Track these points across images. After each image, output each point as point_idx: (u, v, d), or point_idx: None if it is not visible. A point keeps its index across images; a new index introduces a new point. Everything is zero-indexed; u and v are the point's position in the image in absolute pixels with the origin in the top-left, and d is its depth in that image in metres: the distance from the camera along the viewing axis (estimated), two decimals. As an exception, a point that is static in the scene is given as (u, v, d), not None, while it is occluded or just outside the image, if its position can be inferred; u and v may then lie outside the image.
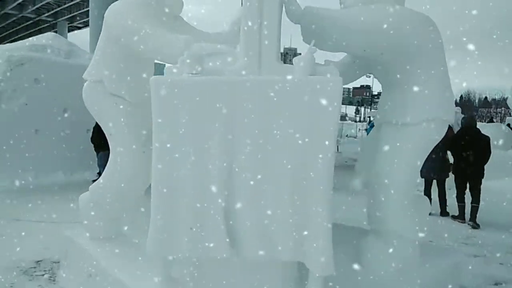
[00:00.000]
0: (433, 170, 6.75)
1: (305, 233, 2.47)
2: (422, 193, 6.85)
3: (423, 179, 7.00)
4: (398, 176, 3.14)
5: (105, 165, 3.55)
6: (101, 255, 3.33)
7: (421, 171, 7.01)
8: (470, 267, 4.28)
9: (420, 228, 3.22)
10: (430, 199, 7.00)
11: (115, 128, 3.38)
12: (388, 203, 3.16)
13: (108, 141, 3.51)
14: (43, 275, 3.97)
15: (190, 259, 2.68)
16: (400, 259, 3.11)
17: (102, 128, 3.54)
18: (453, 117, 3.35)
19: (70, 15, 36.80)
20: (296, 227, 2.48)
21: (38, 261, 4.29)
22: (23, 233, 4.97)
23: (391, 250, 3.12)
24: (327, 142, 2.39)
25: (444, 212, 7.04)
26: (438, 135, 3.29)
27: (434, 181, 7.14)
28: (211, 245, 2.53)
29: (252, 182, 2.47)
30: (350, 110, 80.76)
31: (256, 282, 2.64)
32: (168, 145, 2.49)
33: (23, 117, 8.58)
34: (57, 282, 3.80)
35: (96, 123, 6.92)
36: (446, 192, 7.07)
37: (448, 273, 3.36)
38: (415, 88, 3.15)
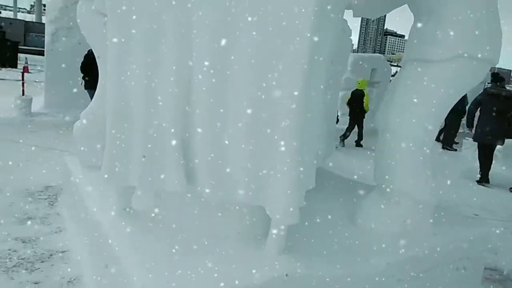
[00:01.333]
0: (492, 133, 5.95)
1: (267, 175, 2.09)
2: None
3: (477, 143, 6.22)
4: (412, 126, 2.58)
5: None
6: (85, 182, 3.22)
7: (479, 133, 6.15)
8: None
9: (432, 192, 2.67)
10: (488, 167, 6.18)
11: (103, 49, 3.15)
12: (397, 158, 2.64)
13: (98, 65, 3.31)
14: (45, 199, 4.02)
15: (147, 190, 2.43)
16: (402, 221, 2.62)
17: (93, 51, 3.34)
18: (497, 57, 2.64)
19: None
20: (256, 167, 2.10)
21: (47, 186, 4.37)
22: (52, 162, 5.08)
23: (393, 210, 2.64)
24: (297, 65, 1.93)
25: (484, 179, 6.26)
26: (472, 79, 2.65)
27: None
28: (163, 176, 2.25)
29: (208, 106, 2.10)
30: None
31: (221, 220, 2.35)
32: (120, 57, 2.19)
33: (76, 55, 8.79)
34: (54, 206, 3.82)
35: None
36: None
37: (463, 249, 2.80)
38: (450, 16, 2.51)
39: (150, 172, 2.26)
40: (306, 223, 2.57)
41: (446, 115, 2.77)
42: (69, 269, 2.69)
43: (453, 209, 4.46)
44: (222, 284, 1.86)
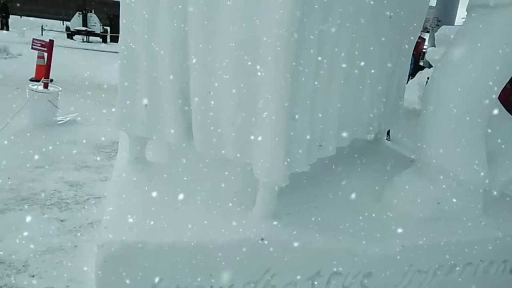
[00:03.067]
0: None
1: (253, 132, 1.90)
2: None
3: None
4: (467, 89, 2.11)
5: None
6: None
7: None
8: None
9: (482, 173, 2.18)
10: None
11: None
12: (441, 128, 2.19)
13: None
14: (108, 152, 4.34)
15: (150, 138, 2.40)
16: (436, 203, 2.19)
17: None
18: None
19: None
20: (243, 123, 1.92)
21: (115, 142, 4.71)
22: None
23: (427, 189, 2.22)
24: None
25: None
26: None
27: None
28: (165, 127, 2.20)
29: (199, 55, 1.97)
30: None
31: (222, 178, 2.24)
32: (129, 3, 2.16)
33: None
34: (112, 159, 4.11)
35: None
36: None
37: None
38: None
39: (151, 121, 2.24)
40: (315, 194, 2.33)
41: (509, 77, 2.20)
42: (95, 212, 2.85)
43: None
44: (186, 236, 1.76)
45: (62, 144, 4.26)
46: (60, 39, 17.02)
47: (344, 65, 2.20)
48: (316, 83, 2.03)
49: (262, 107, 1.84)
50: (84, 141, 4.50)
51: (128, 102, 2.29)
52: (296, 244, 1.87)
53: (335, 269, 1.94)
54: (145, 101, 2.23)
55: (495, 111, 2.52)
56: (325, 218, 2.10)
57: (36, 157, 3.84)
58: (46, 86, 4.78)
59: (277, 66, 1.76)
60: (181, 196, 2.09)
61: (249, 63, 1.83)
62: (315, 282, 1.94)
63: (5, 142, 4.12)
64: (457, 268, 2.14)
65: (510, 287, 2.25)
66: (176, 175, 2.32)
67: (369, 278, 2.00)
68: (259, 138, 1.87)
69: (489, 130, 2.47)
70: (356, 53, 2.34)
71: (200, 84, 2.01)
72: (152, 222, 1.84)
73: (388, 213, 2.22)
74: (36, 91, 4.62)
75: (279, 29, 1.73)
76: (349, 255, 1.93)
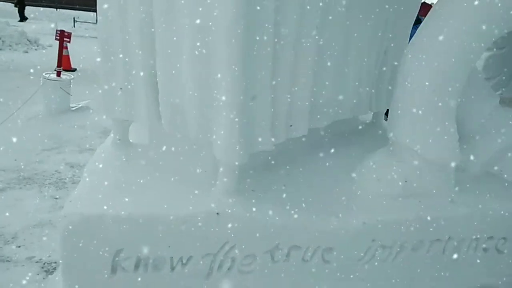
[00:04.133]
0: None
1: (211, 112, 1.95)
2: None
3: None
4: (427, 68, 2.07)
5: None
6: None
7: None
8: None
9: (452, 152, 2.14)
10: None
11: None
12: (409, 106, 2.17)
13: None
14: (114, 136, 4.52)
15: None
16: (404, 182, 2.18)
17: None
18: None
19: None
20: (202, 101, 1.98)
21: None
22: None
23: (395, 168, 2.21)
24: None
25: None
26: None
27: None
28: (139, 110, 2.30)
29: (163, 39, 2.03)
30: None
31: (196, 156, 2.32)
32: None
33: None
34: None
35: None
36: None
37: (496, 226, 2.19)
38: None
39: (127, 104, 2.33)
40: (287, 171, 2.37)
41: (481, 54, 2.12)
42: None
43: None
44: (144, 209, 1.86)
45: (71, 129, 4.48)
46: (92, 30, 17.53)
47: (314, 42, 2.19)
48: (279, 61, 2.04)
49: (218, 88, 1.89)
50: (93, 126, 4.70)
51: (106, 87, 2.39)
52: (252, 218, 1.93)
53: (293, 244, 1.99)
54: (120, 85, 2.33)
55: (480, 90, 2.45)
56: (290, 196, 2.14)
57: (46, 140, 4.07)
58: (58, 74, 5.02)
59: (228, 45, 1.79)
60: (151, 174, 2.19)
61: (205, 43, 1.88)
62: (274, 255, 2.00)
63: (19, 126, 4.38)
64: (424, 245, 2.13)
65: (483, 265, 2.22)
66: (153, 155, 2.42)
67: (330, 253, 2.04)
68: (217, 119, 1.93)
69: (471, 109, 2.42)
70: (333, 28, 2.30)
71: (163, 66, 2.07)
72: (115, 196, 1.94)
73: (357, 191, 2.23)
74: (48, 79, 4.87)
75: (230, 7, 1.76)
76: (306, 231, 1.97)
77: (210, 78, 1.91)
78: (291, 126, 2.28)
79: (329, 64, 2.38)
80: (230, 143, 1.89)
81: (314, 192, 2.20)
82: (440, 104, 2.08)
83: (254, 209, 1.96)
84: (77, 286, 1.85)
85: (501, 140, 2.34)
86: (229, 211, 1.91)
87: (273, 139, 2.12)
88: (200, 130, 2.02)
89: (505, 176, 2.44)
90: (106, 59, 2.33)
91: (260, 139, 2.04)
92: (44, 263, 2.13)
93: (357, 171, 2.30)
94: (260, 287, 1.99)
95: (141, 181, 2.12)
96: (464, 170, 2.39)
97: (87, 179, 2.15)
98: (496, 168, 2.41)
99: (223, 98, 1.86)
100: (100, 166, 2.30)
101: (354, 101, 2.80)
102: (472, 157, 2.37)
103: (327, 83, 2.42)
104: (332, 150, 2.74)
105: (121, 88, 2.32)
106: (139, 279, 1.91)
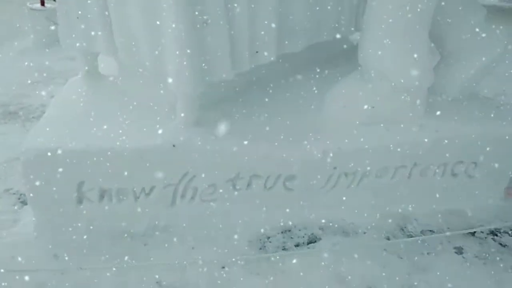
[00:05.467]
0: None
1: (162, 42, 1.87)
2: None
3: None
4: None
5: None
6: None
7: None
8: None
9: (421, 76, 2.02)
10: None
11: None
12: (375, 30, 2.02)
13: None
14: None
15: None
16: (371, 107, 2.10)
17: None
18: None
19: None
20: (151, 29, 1.88)
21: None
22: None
23: (363, 93, 2.12)
24: None
25: None
26: None
27: None
28: (97, 39, 2.22)
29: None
30: None
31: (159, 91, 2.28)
32: None
33: None
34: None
35: None
36: None
37: (465, 150, 2.14)
38: None
39: (84, 34, 2.25)
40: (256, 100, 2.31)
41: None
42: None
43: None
44: (102, 141, 1.88)
45: (60, 61, 4.43)
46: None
47: None
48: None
49: (166, 16, 1.78)
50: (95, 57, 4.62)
51: (65, 18, 2.30)
52: (210, 149, 1.93)
53: (254, 173, 2.01)
54: (77, 15, 2.23)
55: (466, 2, 2.25)
56: (254, 125, 2.12)
57: (35, 74, 4.06)
58: (42, 3, 4.85)
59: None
60: (114, 107, 2.18)
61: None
62: (236, 184, 2.03)
63: (10, 59, 4.36)
64: (389, 171, 2.12)
65: (452, 190, 2.20)
66: (119, 88, 2.39)
67: (291, 181, 2.06)
68: (168, 48, 1.85)
69: (454, 24, 2.24)
70: None
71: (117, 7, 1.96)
72: (74, 129, 1.96)
73: (324, 119, 2.19)
74: (31, 9, 4.72)
75: None
76: (266, 159, 1.97)
77: (158, 6, 1.80)
78: (256, 52, 2.18)
79: None
80: (182, 72, 1.84)
81: (280, 120, 2.17)
82: (409, 23, 1.93)
83: (213, 139, 1.95)
84: (46, 216, 1.95)
85: (482, 60, 2.20)
86: (186, 142, 1.91)
87: (234, 67, 2.05)
88: (154, 60, 1.95)
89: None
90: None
91: (217, 68, 1.97)
92: (20, 195, 2.23)
93: (326, 97, 2.23)
94: (224, 215, 2.05)
95: (103, 114, 2.11)
96: (442, 93, 2.29)
97: (50, 112, 2.16)
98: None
99: (172, 25, 1.77)
100: (64, 99, 2.30)
101: (334, 21, 2.63)
102: (447, 80, 2.25)
103: (295, 2, 2.26)
104: (308, 76, 2.65)
105: (77, 17, 2.24)
106: (106, 208, 1.99)
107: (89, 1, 2.13)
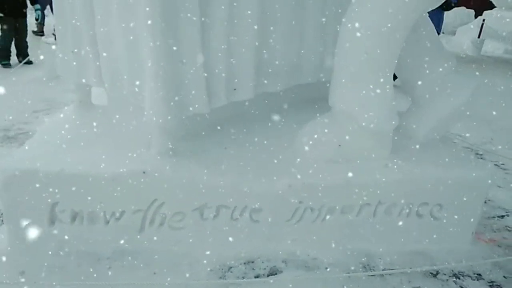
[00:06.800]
0: None
1: (140, 75, 2.02)
2: None
3: None
4: (359, 28, 2.02)
5: None
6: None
7: None
8: None
9: (385, 116, 2.11)
10: None
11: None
12: (341, 67, 2.15)
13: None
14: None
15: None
16: (337, 146, 2.19)
17: None
18: None
19: None
20: (133, 66, 2.05)
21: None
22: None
23: (330, 132, 2.21)
24: None
25: None
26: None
27: None
28: (88, 72, 2.40)
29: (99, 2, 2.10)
30: None
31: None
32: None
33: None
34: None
35: None
36: None
37: (427, 192, 2.18)
38: None
39: (79, 67, 2.43)
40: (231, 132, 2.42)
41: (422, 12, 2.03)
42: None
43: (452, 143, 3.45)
44: (76, 166, 1.99)
45: (66, 92, 4.66)
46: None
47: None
48: (209, 21, 2.05)
49: (144, 52, 1.94)
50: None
51: (62, 50, 2.50)
52: (179, 178, 2.02)
53: (221, 203, 2.08)
54: (72, 48, 2.42)
55: (435, 51, 2.37)
56: (226, 157, 2.21)
57: (39, 103, 4.29)
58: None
59: (147, 6, 1.82)
60: (96, 134, 2.32)
61: (128, 6, 1.93)
62: (203, 213, 2.10)
63: (20, 88, 4.63)
64: (354, 208, 2.17)
65: (417, 231, 2.23)
66: (107, 117, 2.53)
67: (258, 213, 2.12)
68: (145, 83, 1.99)
69: (424, 71, 2.36)
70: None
71: (101, 29, 2.14)
72: (55, 153, 2.08)
73: (293, 155, 2.27)
74: (46, 43, 5.05)
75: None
76: (232, 191, 2.05)
77: (136, 42, 1.97)
78: (234, 89, 2.32)
79: (277, 22, 2.34)
80: (155, 105, 1.96)
81: (251, 154, 2.26)
82: (374, 67, 2.05)
83: (182, 169, 2.05)
84: (18, 235, 2.03)
85: (449, 107, 2.29)
86: (156, 170, 2.01)
87: (210, 102, 2.18)
88: (134, 93, 2.10)
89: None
90: (60, 23, 2.43)
91: (192, 102, 2.10)
92: (1, 214, 2.33)
93: (298, 134, 2.33)
94: (190, 243, 2.11)
95: (85, 140, 2.24)
96: (411, 136, 2.37)
97: (36, 137, 2.30)
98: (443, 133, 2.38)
99: (148, 63, 1.92)
100: (52, 125, 2.45)
101: (316, 63, 2.76)
102: (416, 124, 2.33)
103: (276, 43, 2.40)
104: (288, 114, 2.77)
105: (72, 52, 2.43)
106: (77, 230, 2.07)
107: (83, 39, 2.32)
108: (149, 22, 1.84)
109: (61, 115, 2.61)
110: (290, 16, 2.41)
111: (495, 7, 11.91)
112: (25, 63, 5.46)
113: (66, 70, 2.51)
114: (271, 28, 2.34)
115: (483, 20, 11.33)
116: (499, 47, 11.47)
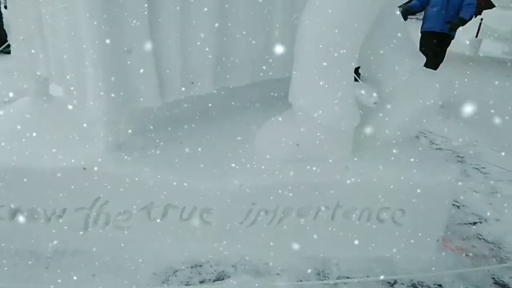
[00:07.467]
0: None
1: (83, 67, 1.90)
2: None
3: None
4: (318, 14, 1.90)
5: None
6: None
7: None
8: None
9: (342, 114, 1.99)
10: None
11: None
12: (299, 65, 2.03)
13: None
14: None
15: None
16: (295, 145, 2.07)
17: None
18: None
19: None
20: (75, 59, 1.93)
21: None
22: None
23: (289, 131, 2.09)
24: None
25: None
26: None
27: None
28: (38, 60, 2.29)
29: None
30: None
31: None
32: None
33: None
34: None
35: None
36: None
37: (389, 195, 2.07)
38: None
39: (30, 55, 2.31)
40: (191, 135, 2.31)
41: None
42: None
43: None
44: (17, 161, 1.88)
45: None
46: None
47: None
48: (158, 9, 1.92)
49: (85, 39, 1.82)
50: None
51: (15, 40, 2.38)
52: (123, 175, 1.91)
53: (168, 203, 1.97)
54: (22, 35, 2.31)
55: (403, 47, 2.25)
56: (179, 154, 2.10)
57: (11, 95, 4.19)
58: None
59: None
60: (45, 127, 2.20)
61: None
62: (151, 213, 1.99)
63: None
64: (311, 211, 2.06)
65: (378, 236, 2.12)
66: (60, 108, 2.42)
67: (209, 213, 2.01)
68: (89, 75, 1.88)
69: (391, 68, 2.24)
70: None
71: (47, 16, 2.03)
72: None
73: (250, 153, 2.16)
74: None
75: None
76: (180, 190, 1.94)
77: (78, 34, 1.85)
78: (192, 83, 2.20)
79: (239, 11, 2.21)
80: (99, 98, 1.85)
81: (206, 152, 2.15)
82: (333, 63, 1.92)
83: (126, 165, 1.94)
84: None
85: (415, 107, 2.17)
86: (99, 166, 1.90)
87: (163, 96, 2.07)
88: (77, 85, 1.98)
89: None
90: (14, 15, 2.32)
91: (143, 95, 1.99)
92: None
93: (257, 132, 2.21)
94: (136, 244, 2.01)
95: (33, 133, 2.13)
96: (375, 136, 2.25)
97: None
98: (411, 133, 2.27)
99: (90, 54, 1.80)
100: (2, 117, 2.34)
101: (284, 58, 2.63)
102: (381, 124, 2.22)
103: (239, 34, 2.27)
104: (253, 112, 2.65)
105: (23, 39, 2.32)
106: (18, 227, 1.96)
107: (32, 27, 2.21)
108: (86, 3, 1.72)
109: (14, 107, 2.49)
110: (254, 5, 2.28)
111: (494, 6, 11.73)
112: (4, 52, 5.34)
113: (19, 61, 2.39)
114: (232, 16, 2.20)
115: (481, 19, 11.15)
116: (497, 47, 11.31)
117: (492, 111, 4.91)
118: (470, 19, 5.45)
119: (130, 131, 2.17)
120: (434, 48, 5.44)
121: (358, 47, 1.94)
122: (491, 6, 11.68)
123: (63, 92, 2.45)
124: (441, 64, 5.58)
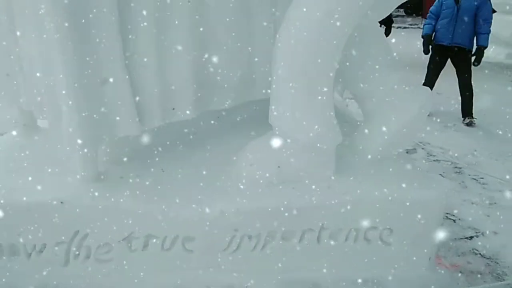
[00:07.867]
0: None
1: (57, 96, 1.91)
2: None
3: None
4: (291, 45, 1.89)
5: None
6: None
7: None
8: None
9: (323, 135, 1.95)
10: None
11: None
12: (277, 83, 2.01)
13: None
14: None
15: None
16: (277, 167, 2.03)
17: None
18: None
19: None
20: (49, 88, 1.94)
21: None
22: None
23: (270, 153, 2.05)
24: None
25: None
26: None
27: None
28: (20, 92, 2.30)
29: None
30: None
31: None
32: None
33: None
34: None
35: None
36: None
37: (378, 215, 2.00)
38: None
39: (15, 91, 2.33)
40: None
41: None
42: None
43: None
44: None
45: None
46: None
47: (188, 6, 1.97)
48: (133, 36, 1.92)
49: (57, 70, 1.83)
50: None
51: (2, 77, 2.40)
52: (100, 206, 1.89)
53: (149, 232, 1.94)
54: (6, 71, 2.33)
55: (384, 63, 2.23)
56: (159, 182, 2.07)
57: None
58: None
59: (52, 22, 1.71)
60: (27, 160, 2.20)
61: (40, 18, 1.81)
62: (131, 244, 1.96)
63: None
64: (296, 234, 2.00)
65: (367, 257, 2.05)
66: (46, 140, 2.42)
67: (191, 242, 1.97)
68: (62, 106, 1.88)
69: (373, 83, 2.21)
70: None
71: (24, 51, 2.05)
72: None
73: (232, 178, 2.12)
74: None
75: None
76: (160, 219, 1.91)
77: (50, 60, 1.86)
78: (173, 109, 2.18)
79: (219, 33, 2.15)
80: (72, 127, 1.84)
81: (188, 178, 2.12)
82: (311, 81, 1.90)
83: (103, 197, 1.92)
84: None
85: (398, 122, 2.12)
86: (75, 199, 1.88)
87: (143, 123, 2.05)
88: (53, 118, 1.99)
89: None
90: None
91: (121, 123, 1.98)
92: None
93: (237, 155, 2.18)
94: (117, 276, 1.97)
95: (15, 167, 2.13)
96: (358, 154, 2.20)
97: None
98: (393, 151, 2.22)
99: (61, 84, 1.81)
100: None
101: (267, 79, 2.61)
102: (364, 140, 2.17)
103: (220, 54, 2.22)
104: (238, 134, 2.62)
105: (7, 74, 2.33)
106: (-1, 264, 1.94)
107: (14, 62, 2.22)
108: (57, 35, 1.73)
109: (2, 141, 2.51)
110: (234, 23, 2.25)
111: (495, 11, 11.69)
112: None
113: (7, 97, 2.40)
114: (212, 37, 2.18)
115: (482, 25, 11.07)
116: (500, 52, 11.20)
117: (489, 119, 4.83)
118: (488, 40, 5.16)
119: (105, 158, 2.14)
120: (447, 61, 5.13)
121: (334, 66, 1.91)
122: (492, 11, 11.64)
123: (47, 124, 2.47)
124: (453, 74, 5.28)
